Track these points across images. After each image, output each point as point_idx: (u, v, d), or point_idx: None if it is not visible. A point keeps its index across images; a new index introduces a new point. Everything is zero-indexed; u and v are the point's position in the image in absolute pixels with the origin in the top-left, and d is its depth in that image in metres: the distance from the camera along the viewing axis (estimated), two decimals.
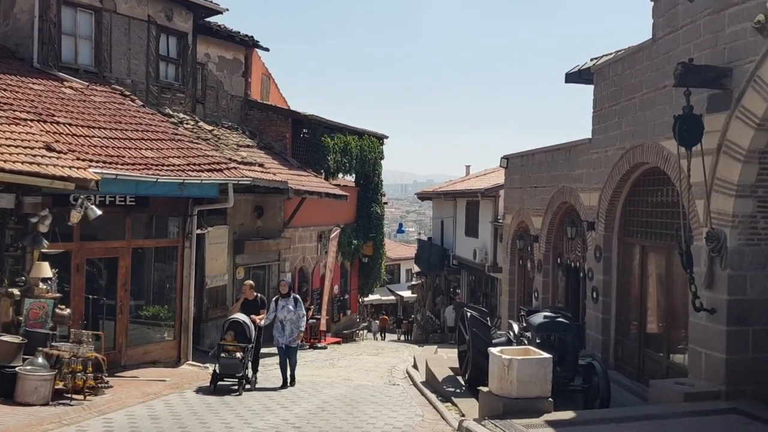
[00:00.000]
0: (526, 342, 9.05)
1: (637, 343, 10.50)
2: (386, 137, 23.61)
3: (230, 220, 15.64)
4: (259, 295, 11.32)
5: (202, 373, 11.38)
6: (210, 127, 16.12)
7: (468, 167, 37.09)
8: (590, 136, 11.99)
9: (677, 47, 9.00)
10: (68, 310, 8.52)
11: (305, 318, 11.37)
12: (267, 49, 19.61)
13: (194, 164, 11.52)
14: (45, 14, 13.00)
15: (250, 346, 10.42)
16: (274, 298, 11.10)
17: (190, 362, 12.13)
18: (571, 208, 12.99)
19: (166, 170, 10.84)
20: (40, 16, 12.92)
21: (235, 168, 12.40)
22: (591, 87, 16.00)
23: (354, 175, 22.23)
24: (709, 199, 8.05)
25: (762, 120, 7.42)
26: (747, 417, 7.35)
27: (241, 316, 10.63)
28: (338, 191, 18.60)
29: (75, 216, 8.69)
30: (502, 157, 16.74)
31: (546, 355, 7.48)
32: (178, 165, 11.24)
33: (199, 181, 11.14)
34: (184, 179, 10.84)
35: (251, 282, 11.56)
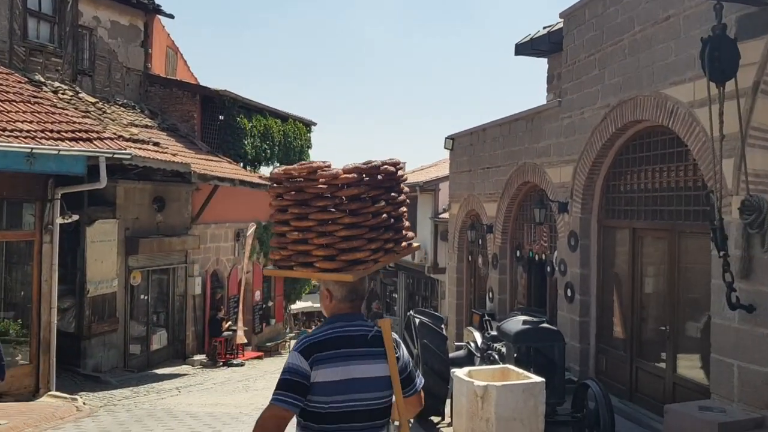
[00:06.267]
0: (496, 356, 6.70)
1: (628, 353, 8.31)
2: (314, 124, 21.09)
3: (121, 213, 12.80)
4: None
5: (65, 408, 8.58)
6: (93, 100, 13.21)
7: (403, 164, 34.85)
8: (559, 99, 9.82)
9: None
10: None
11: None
12: (171, 16, 16.82)
13: (52, 131, 8.72)
14: None
15: None
16: None
17: (53, 393, 9.28)
18: (534, 189, 10.78)
19: (8, 136, 8.02)
20: None
21: (111, 139, 9.61)
22: (544, 60, 14.20)
23: (277, 165, 19.56)
24: (744, 157, 5.88)
25: None
26: None
27: None
28: (256, 179, 15.92)
29: None
30: (446, 138, 14.45)
31: (536, 378, 5.14)
32: (28, 131, 8.43)
33: (56, 152, 8.33)
34: (33, 148, 8.05)
35: None
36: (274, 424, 2.48)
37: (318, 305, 42.00)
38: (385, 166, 2.74)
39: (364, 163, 2.72)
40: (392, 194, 2.78)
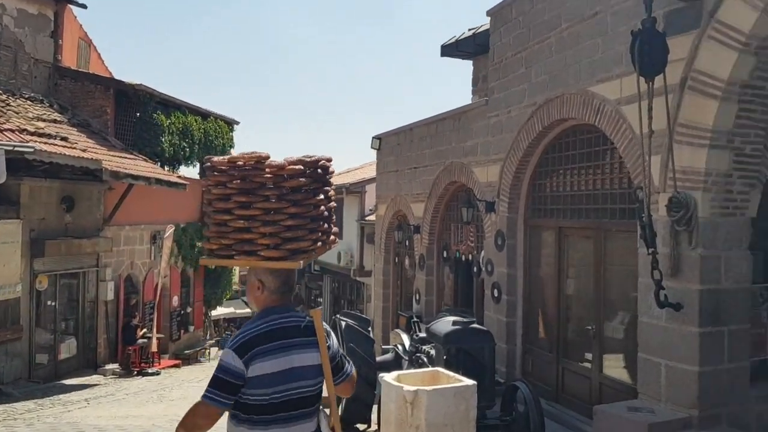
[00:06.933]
0: (425, 359, 6.46)
1: (554, 353, 8.25)
2: (236, 122, 20.44)
3: (26, 213, 11.91)
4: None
5: None
6: None
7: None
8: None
9: None
10: None
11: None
12: (84, 6, 15.86)
13: None
14: None
15: None
16: None
17: None
18: (461, 188, 10.65)
19: None
20: None
21: (12, 132, 8.86)
22: (469, 62, 14.22)
23: (197, 165, 18.81)
24: (671, 154, 5.85)
25: (750, 37, 5.32)
26: None
27: None
28: (174, 178, 15.22)
29: None
30: (373, 138, 14.21)
31: (468, 381, 4.90)
32: None
33: None
34: None
35: None
36: (203, 420, 2.59)
37: (241, 311, 41.01)
38: (323, 161, 2.88)
39: (304, 157, 2.84)
40: (325, 188, 2.91)
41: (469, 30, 13.61)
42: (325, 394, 2.77)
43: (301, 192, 2.75)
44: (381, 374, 5.31)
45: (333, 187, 3.01)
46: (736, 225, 5.87)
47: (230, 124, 20.17)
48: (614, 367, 7.31)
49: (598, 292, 7.45)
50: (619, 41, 6.59)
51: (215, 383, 2.56)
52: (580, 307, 7.96)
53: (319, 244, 2.85)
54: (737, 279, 5.87)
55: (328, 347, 2.75)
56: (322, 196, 2.85)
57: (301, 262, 2.70)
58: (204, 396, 2.58)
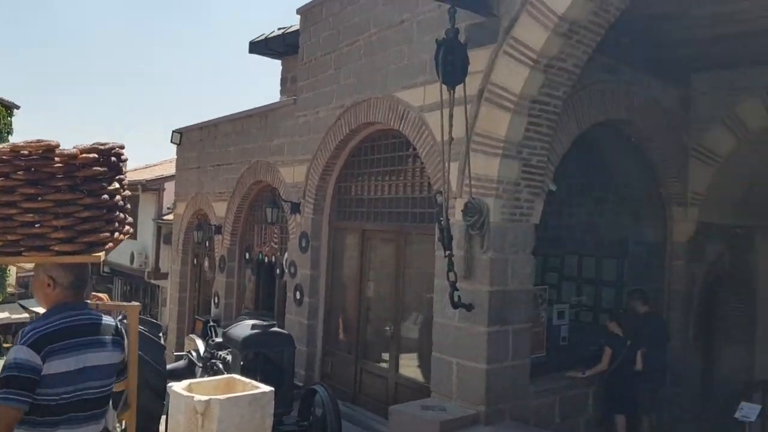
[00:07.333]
0: (220, 366, 6.11)
1: (353, 354, 8.30)
2: (17, 107, 18.37)
3: None
4: None
5: None
6: None
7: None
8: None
9: None
10: None
11: None
12: None
13: None
14: None
15: None
16: None
17: None
18: (267, 188, 10.39)
19: None
20: None
21: None
22: (278, 62, 14.04)
23: None
24: (468, 161, 6.09)
25: (540, 55, 5.71)
26: None
27: None
28: None
29: None
30: (173, 132, 13.44)
31: (265, 387, 4.68)
32: None
33: None
34: None
35: None
36: (5, 425, 2.40)
37: (18, 316, 37.03)
38: (116, 149, 2.80)
39: (97, 144, 2.75)
40: (119, 176, 2.82)
41: (279, 29, 13.41)
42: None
43: (95, 181, 2.64)
44: (171, 384, 4.92)
45: (126, 174, 2.93)
46: (521, 231, 6.27)
47: (9, 108, 18.06)
48: (410, 366, 7.50)
49: (398, 293, 7.62)
50: (424, 50, 6.76)
51: (9, 383, 2.36)
52: (380, 308, 8.09)
53: (116, 234, 2.77)
54: (521, 281, 6.28)
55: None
56: (117, 185, 2.76)
57: (102, 254, 2.64)
58: (1, 399, 2.36)
